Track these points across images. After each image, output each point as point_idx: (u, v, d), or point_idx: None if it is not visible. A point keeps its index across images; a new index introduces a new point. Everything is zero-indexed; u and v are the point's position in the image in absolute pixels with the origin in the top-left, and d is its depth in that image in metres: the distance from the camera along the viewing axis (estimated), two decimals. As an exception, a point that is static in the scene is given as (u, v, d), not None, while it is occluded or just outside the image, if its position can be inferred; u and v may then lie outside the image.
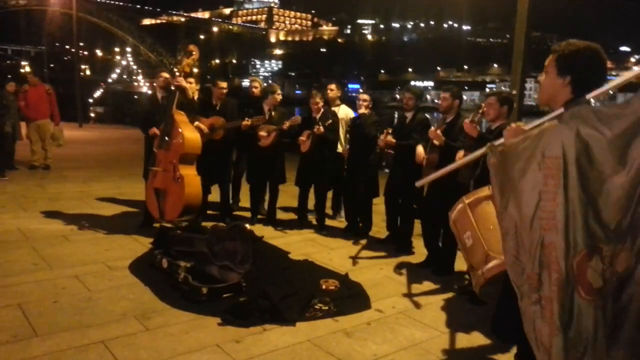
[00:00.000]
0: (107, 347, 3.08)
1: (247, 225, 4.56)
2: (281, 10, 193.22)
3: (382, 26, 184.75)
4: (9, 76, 29.24)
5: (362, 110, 5.68)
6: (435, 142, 4.55)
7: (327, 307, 3.73)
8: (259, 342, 3.23)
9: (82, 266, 4.45)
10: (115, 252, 4.87)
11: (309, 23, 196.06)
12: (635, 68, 2.01)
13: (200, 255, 4.32)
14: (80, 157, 10.89)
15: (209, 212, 6.08)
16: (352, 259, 4.99)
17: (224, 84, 6.09)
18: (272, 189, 6.07)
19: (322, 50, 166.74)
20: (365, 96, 5.82)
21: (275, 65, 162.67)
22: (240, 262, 4.25)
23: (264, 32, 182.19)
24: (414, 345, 3.30)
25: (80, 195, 7.26)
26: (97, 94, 53.34)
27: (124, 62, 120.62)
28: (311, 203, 6.22)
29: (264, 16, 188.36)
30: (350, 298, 3.99)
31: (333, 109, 6.06)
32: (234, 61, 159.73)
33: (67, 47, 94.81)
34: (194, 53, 5.57)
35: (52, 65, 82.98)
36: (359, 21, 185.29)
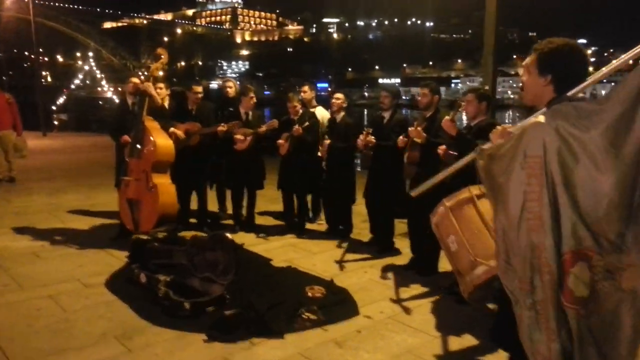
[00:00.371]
0: (88, 372, 2.93)
1: (228, 234, 4.43)
2: (245, 10, 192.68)
3: (347, 24, 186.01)
4: (-35, 86, 28.16)
5: (336, 110, 5.63)
6: (417, 140, 4.49)
7: (315, 316, 3.63)
8: (248, 359, 3.12)
9: (55, 285, 4.25)
10: (90, 268, 4.67)
11: (274, 23, 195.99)
12: (614, 61, 1.97)
13: (180, 268, 4.19)
14: (46, 168, 10.49)
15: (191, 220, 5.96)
16: (336, 263, 4.91)
17: (199, 89, 5.92)
18: (250, 194, 5.95)
19: (288, 49, 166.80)
20: (340, 95, 5.75)
21: (242, 66, 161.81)
22: (222, 272, 4.14)
23: (229, 33, 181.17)
24: (407, 351, 3.24)
25: (49, 208, 6.97)
26: (60, 100, 51.76)
27: (86, 67, 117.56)
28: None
29: (229, 17, 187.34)
30: (338, 305, 3.91)
31: (311, 110, 5.99)
32: (200, 63, 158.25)
33: (27, 53, 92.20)
34: (162, 57, 5.43)
35: (10, 73, 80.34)
36: (324, 20, 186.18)
